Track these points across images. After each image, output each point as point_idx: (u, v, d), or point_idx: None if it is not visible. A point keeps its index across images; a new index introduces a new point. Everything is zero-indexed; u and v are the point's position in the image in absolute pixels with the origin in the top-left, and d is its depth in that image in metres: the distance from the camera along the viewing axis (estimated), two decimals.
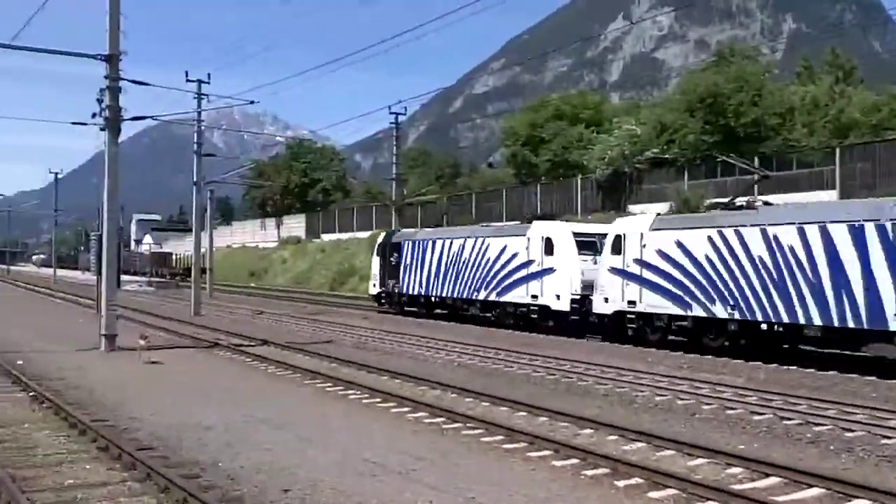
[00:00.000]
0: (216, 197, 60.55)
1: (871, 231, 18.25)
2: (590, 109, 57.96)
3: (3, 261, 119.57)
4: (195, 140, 38.84)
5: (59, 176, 76.05)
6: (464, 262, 32.06)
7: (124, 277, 56.56)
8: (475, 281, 31.38)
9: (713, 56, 52.87)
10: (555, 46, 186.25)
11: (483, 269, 30.89)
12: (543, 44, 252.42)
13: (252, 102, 34.34)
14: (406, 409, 14.12)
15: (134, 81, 23.54)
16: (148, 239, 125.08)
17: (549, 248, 28.00)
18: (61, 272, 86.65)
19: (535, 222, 30.14)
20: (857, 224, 18.59)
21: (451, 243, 33.05)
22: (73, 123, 28.27)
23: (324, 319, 33.80)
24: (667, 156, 43.58)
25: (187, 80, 36.49)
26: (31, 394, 15.26)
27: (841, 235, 18.80)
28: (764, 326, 20.53)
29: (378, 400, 14.99)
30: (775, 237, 20.21)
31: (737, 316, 21.02)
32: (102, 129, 22.90)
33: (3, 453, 10.66)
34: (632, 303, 24.01)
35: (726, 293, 21.25)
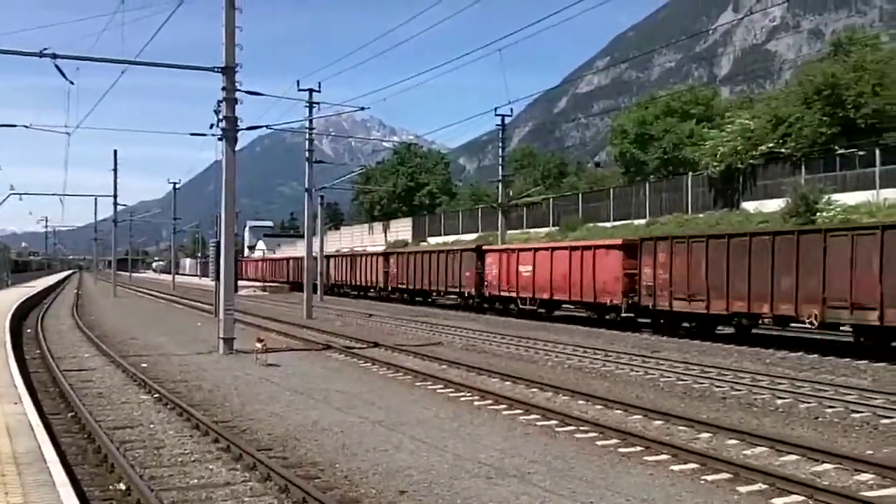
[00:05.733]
0: (326, 202, 61.76)
1: None
2: (700, 105, 56.80)
3: (125, 268, 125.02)
4: (307, 148, 39.74)
5: (178, 185, 79.02)
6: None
7: (240, 283, 58.34)
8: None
9: (829, 45, 50.87)
10: (662, 42, 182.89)
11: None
12: (649, 40, 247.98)
13: (363, 109, 34.78)
14: (518, 411, 14.06)
15: (249, 92, 24.16)
16: (261, 245, 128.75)
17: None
18: (179, 278, 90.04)
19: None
20: None
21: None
22: (192, 135, 29.25)
23: (432, 322, 34.02)
24: (783, 150, 42.12)
25: (299, 90, 37.34)
26: (155, 396, 15.86)
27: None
28: None
29: (489, 402, 14.97)
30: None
31: None
32: (220, 139, 23.62)
33: (133, 453, 11.11)
34: None
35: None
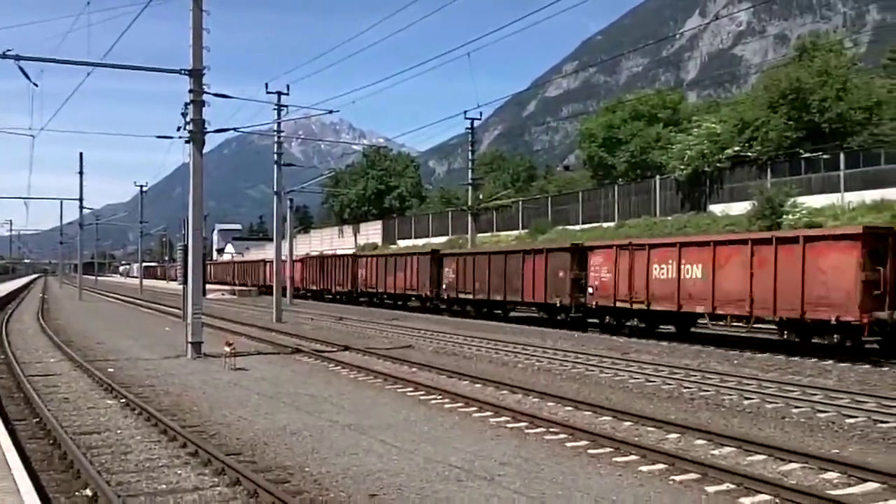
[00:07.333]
0: (295, 205, 61.53)
1: None
2: (668, 109, 57.22)
3: (91, 272, 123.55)
4: (275, 151, 39.51)
5: (145, 189, 78.24)
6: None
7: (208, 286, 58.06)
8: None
9: (794, 51, 51.51)
10: (629, 46, 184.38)
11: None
12: (617, 44, 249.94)
13: (332, 112, 34.63)
14: (488, 413, 14.08)
15: (216, 95, 23.92)
16: (229, 248, 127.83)
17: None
18: (147, 282, 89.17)
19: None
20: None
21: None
22: (159, 137, 28.81)
23: (402, 325, 33.99)
24: (749, 154, 42.59)
25: (267, 92, 37.14)
26: (121, 401, 15.68)
27: None
28: None
29: (460, 404, 14.98)
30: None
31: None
32: (187, 142, 23.39)
33: (99, 458, 10.97)
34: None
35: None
